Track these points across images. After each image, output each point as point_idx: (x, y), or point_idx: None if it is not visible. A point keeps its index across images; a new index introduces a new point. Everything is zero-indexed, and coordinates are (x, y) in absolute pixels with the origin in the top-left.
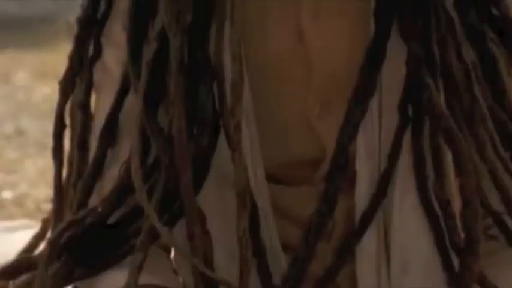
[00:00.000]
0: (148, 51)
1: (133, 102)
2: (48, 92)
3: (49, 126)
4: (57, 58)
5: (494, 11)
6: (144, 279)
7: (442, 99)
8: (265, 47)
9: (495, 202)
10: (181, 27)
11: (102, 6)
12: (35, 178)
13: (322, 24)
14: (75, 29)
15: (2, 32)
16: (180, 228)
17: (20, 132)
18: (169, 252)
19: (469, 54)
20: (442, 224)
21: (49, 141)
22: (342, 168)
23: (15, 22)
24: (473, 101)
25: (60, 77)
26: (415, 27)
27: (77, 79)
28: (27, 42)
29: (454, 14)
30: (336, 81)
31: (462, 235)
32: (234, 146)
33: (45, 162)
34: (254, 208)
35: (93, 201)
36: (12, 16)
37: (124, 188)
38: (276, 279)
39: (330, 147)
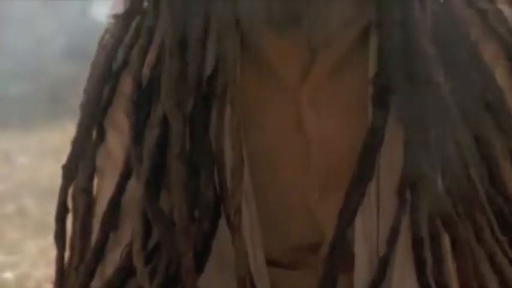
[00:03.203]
0: (150, 137)
1: (135, 187)
2: (50, 172)
3: (50, 206)
4: (58, 137)
5: (490, 97)
6: None
7: (439, 182)
8: (265, 133)
9: (493, 286)
10: (182, 113)
11: (106, 92)
12: (36, 258)
13: (320, 111)
14: (77, 110)
15: (4, 111)
16: None
17: (21, 212)
18: None
19: (466, 138)
20: None
21: (50, 221)
22: (340, 251)
23: (17, 101)
24: (470, 185)
25: (61, 156)
26: (412, 113)
27: (79, 164)
28: (29, 121)
29: (450, 100)
30: (335, 167)
31: None
32: (235, 230)
33: (46, 243)
34: None
35: (95, 284)
36: (13, 95)
37: (126, 271)
38: None
39: (329, 230)
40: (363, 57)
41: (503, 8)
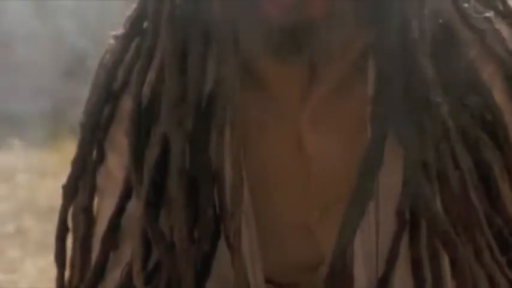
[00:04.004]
0: (150, 157)
1: (135, 206)
2: (50, 191)
3: (50, 225)
4: (58, 157)
5: (488, 116)
6: None
7: (438, 202)
8: (265, 153)
9: None
10: (182, 133)
11: (106, 111)
12: (36, 277)
13: (320, 131)
14: (77, 129)
15: (4, 130)
16: None
17: (21, 231)
18: None
19: (465, 159)
20: None
21: (50, 241)
22: (340, 271)
23: (17, 120)
24: (469, 206)
25: (61, 176)
26: (411, 133)
27: (80, 183)
28: (29, 140)
29: (449, 120)
30: (335, 186)
31: None
32: (234, 250)
33: (46, 262)
34: None
35: None
36: (13, 114)
37: None
38: None
39: (329, 250)
40: (362, 78)
41: (501, 28)
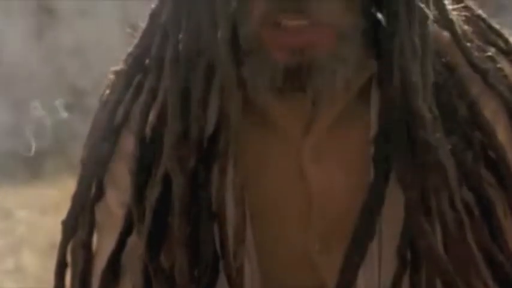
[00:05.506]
0: (152, 194)
1: (135, 243)
2: (50, 227)
3: (49, 262)
4: (58, 193)
5: (491, 154)
6: None
7: (440, 243)
8: (267, 186)
9: None
10: (184, 171)
11: (106, 148)
12: None
13: (322, 164)
14: (77, 165)
15: (2, 166)
16: None
17: (20, 268)
18: None
19: (465, 199)
20: None
21: (49, 277)
22: None
23: (15, 157)
24: (466, 248)
25: (62, 211)
26: (412, 176)
27: (79, 219)
28: (28, 176)
29: (447, 163)
30: (336, 220)
31: None
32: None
33: None
34: None
35: None
36: (12, 151)
37: None
38: None
39: (331, 283)
40: (364, 112)
41: (504, 65)
